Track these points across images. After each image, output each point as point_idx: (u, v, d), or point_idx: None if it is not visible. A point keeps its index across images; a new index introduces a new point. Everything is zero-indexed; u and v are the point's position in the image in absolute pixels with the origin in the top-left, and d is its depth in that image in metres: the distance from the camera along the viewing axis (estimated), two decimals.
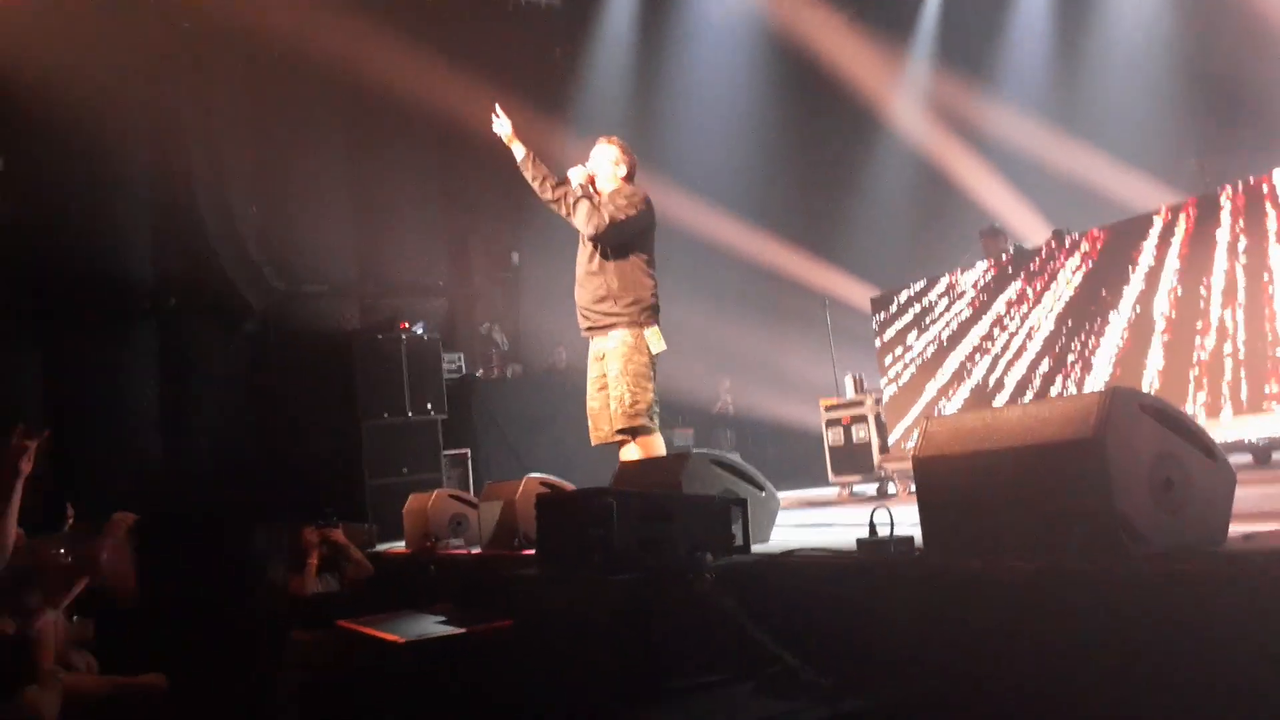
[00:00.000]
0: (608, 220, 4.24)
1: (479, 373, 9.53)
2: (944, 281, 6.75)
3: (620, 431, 4.26)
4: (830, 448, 7.37)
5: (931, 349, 6.72)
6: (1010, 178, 9.24)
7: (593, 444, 4.49)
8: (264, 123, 8.78)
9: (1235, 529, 2.16)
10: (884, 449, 7.00)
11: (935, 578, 2.20)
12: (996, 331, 6.23)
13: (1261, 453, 5.04)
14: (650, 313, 4.34)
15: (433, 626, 3.75)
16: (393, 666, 3.57)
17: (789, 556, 2.60)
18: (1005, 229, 7.56)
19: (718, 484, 3.11)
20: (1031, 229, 8.59)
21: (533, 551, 3.73)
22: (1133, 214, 5.70)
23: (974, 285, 6.52)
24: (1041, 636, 1.94)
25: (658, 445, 4.29)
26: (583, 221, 4.31)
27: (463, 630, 3.58)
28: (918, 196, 10.11)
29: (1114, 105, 8.40)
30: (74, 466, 6.61)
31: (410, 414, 7.90)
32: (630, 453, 4.34)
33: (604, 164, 4.50)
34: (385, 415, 7.78)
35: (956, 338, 6.54)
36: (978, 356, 6.35)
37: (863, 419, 7.19)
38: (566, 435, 8.87)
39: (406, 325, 8.49)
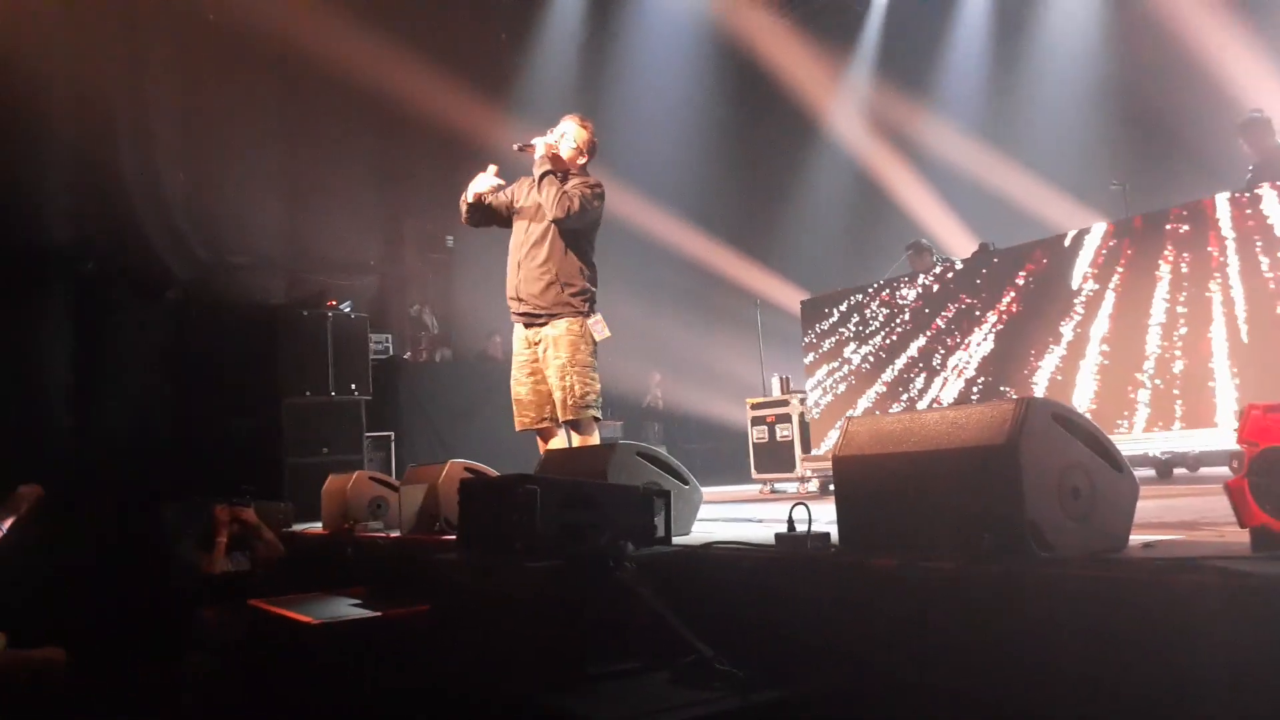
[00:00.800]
0: (578, 205, 4.11)
1: (407, 355, 9.41)
2: (876, 289, 6.88)
3: (566, 423, 4.21)
4: (755, 445, 7.48)
5: (860, 355, 6.84)
6: (941, 190, 9.48)
7: (517, 429, 4.41)
8: (197, 90, 8.52)
9: (1136, 538, 2.26)
10: (806, 449, 7.12)
11: (850, 574, 2.25)
12: (930, 344, 6.35)
13: (1163, 467, 5.26)
14: (593, 301, 4.29)
15: (347, 609, 3.70)
16: (305, 648, 3.51)
17: (709, 549, 2.63)
18: (931, 245, 7.77)
19: (642, 475, 3.12)
20: (959, 242, 8.83)
21: (454, 536, 3.72)
22: (1054, 232, 5.89)
23: (910, 296, 6.66)
24: (950, 634, 2.01)
25: (595, 438, 4.25)
26: (550, 202, 4.15)
27: (378, 614, 3.54)
28: (851, 204, 10.31)
29: (1043, 126, 8.68)
30: None
31: (333, 393, 7.75)
32: (559, 442, 4.30)
33: (570, 144, 4.36)
34: (307, 393, 7.61)
35: (887, 345, 6.67)
36: (910, 366, 6.49)
37: (787, 419, 7.31)
38: (494, 423, 8.82)
39: (334, 303, 8.32)
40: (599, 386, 4.24)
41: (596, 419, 4.23)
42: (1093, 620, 1.82)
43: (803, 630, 2.26)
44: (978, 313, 5.98)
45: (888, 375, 6.58)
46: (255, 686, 4.06)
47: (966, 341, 6.03)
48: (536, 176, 4.29)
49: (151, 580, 5.45)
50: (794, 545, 2.41)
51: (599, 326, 4.24)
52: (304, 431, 7.47)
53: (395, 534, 4.51)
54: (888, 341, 6.62)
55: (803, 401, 7.26)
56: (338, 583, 4.31)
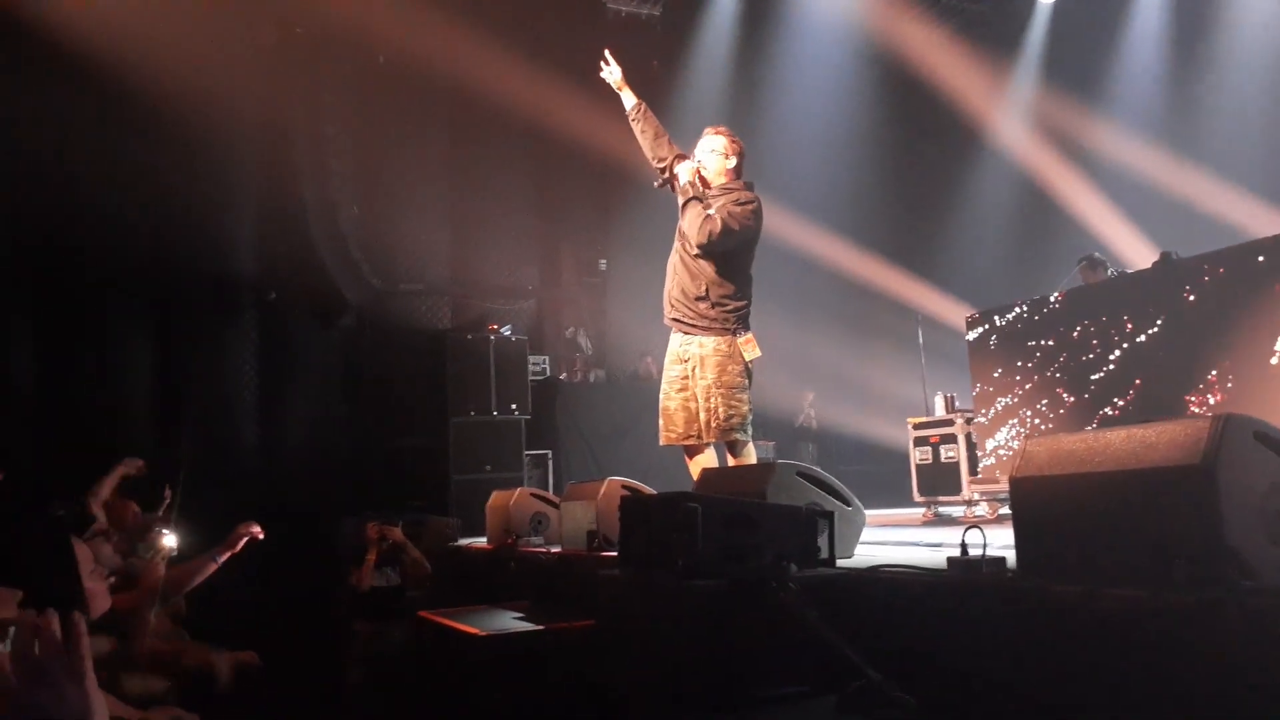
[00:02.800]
0: (720, 228, 4.03)
1: (563, 375, 9.64)
2: (1047, 303, 6.55)
3: (712, 443, 4.16)
4: (917, 466, 7.23)
5: (1030, 372, 6.53)
6: (1116, 199, 8.96)
7: (661, 443, 4.37)
8: (367, 125, 9.05)
9: None
10: (973, 471, 6.83)
11: (1028, 601, 2.14)
12: (1101, 357, 5.99)
13: None
14: (745, 320, 4.22)
15: (511, 622, 3.80)
16: (472, 659, 3.62)
17: (876, 572, 2.56)
18: (1104, 259, 7.33)
19: (803, 496, 3.08)
20: (1137, 252, 8.31)
21: (613, 553, 3.76)
22: (1243, 238, 5.45)
23: (1078, 311, 6.30)
24: (1140, 670, 1.88)
25: (749, 458, 4.18)
26: (693, 227, 4.11)
27: (541, 627, 3.61)
28: (1018, 216, 9.88)
29: (1227, 126, 8.07)
30: (176, 452, 6.89)
31: (496, 413, 8.04)
32: (707, 460, 4.25)
33: (711, 155, 4.29)
34: (472, 413, 7.93)
35: (1057, 362, 6.34)
36: (1080, 382, 6.14)
37: (952, 439, 7.03)
38: (647, 441, 8.91)
39: (495, 326, 8.65)
40: (747, 409, 4.16)
41: (744, 441, 4.15)
42: None
43: (975, 660, 2.17)
44: (1154, 326, 5.58)
45: (1067, 393, 6.24)
46: (417, 697, 4.22)
47: (1144, 356, 5.64)
48: (680, 204, 4.28)
49: (317, 594, 5.75)
50: (968, 569, 2.32)
51: (749, 346, 4.15)
52: (468, 450, 7.78)
53: (556, 549, 4.61)
54: (1064, 358, 6.28)
55: (968, 421, 6.98)
56: (501, 596, 4.43)
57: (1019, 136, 9.93)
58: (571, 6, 9.79)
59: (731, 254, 4.20)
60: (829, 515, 2.64)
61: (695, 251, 4.20)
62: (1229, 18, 8.51)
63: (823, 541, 2.58)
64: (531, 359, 8.82)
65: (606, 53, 4.57)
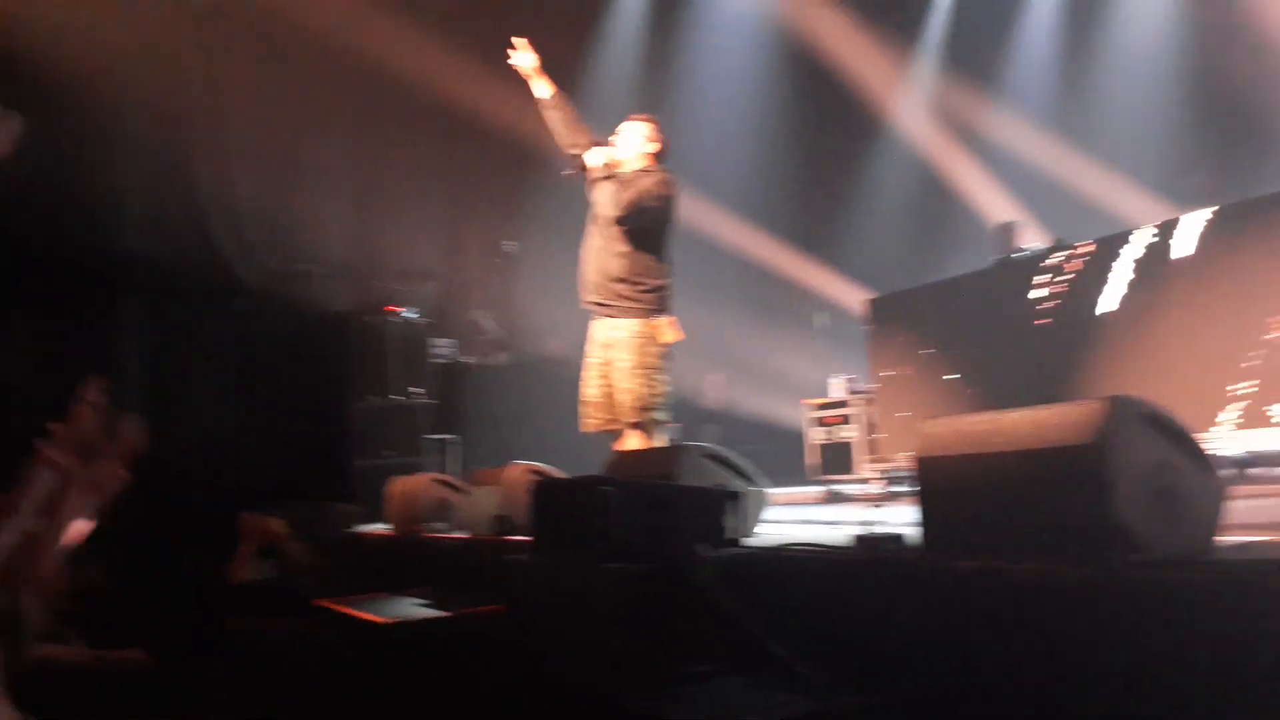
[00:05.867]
0: (638, 197, 4.08)
1: (468, 359, 9.50)
2: (943, 287, 6.76)
3: (630, 425, 4.16)
4: (814, 446, 7.40)
5: (926, 355, 6.72)
6: (1011, 185, 9.28)
7: (581, 430, 4.38)
8: (266, 99, 8.71)
9: (1226, 539, 2.18)
10: (868, 450, 7.03)
11: (932, 576, 2.21)
12: (996, 340, 6.18)
13: (1241, 467, 5.07)
14: (665, 301, 4.22)
15: (417, 609, 3.74)
16: (378, 648, 3.55)
17: (785, 551, 2.61)
18: (1019, 225, 7.52)
19: (712, 477, 3.11)
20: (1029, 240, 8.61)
21: (522, 538, 3.73)
22: (1129, 226, 5.70)
23: (973, 295, 6.51)
24: (1036, 639, 1.96)
25: (664, 440, 4.19)
26: (613, 200, 4.14)
27: (449, 614, 3.57)
28: (918, 202, 10.15)
29: (1120, 117, 8.44)
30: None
31: (397, 397, 7.88)
32: (634, 444, 4.24)
33: (633, 141, 4.32)
34: (372, 398, 7.75)
35: (952, 345, 6.53)
36: (976, 364, 6.34)
37: (848, 419, 7.22)
38: (555, 425, 8.86)
39: (397, 308, 8.45)
40: (665, 390, 4.18)
41: (662, 422, 4.17)
42: (1186, 624, 1.77)
43: (882, 634, 2.23)
44: (1067, 309, 5.76)
45: (962, 376, 6.43)
46: (326, 687, 4.11)
47: (1049, 337, 5.82)
48: (591, 188, 4.31)
49: (202, 591, 5.53)
50: (874, 547, 2.38)
51: (669, 328, 4.17)
52: (369, 435, 7.60)
53: (462, 535, 4.56)
54: (959, 341, 6.48)
55: (867, 402, 7.17)
56: (403, 584, 4.35)
57: (919, 123, 10.19)
58: None
59: (647, 233, 4.21)
60: (737, 496, 2.67)
61: (612, 232, 4.20)
62: (1120, 9, 8.89)
63: (731, 521, 2.61)
64: (435, 341, 8.65)
65: (514, 39, 4.50)
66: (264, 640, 4.21)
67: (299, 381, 7.71)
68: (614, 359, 4.21)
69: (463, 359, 9.36)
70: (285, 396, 7.63)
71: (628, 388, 4.14)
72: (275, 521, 5.12)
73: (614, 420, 4.25)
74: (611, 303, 4.22)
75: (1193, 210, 5.23)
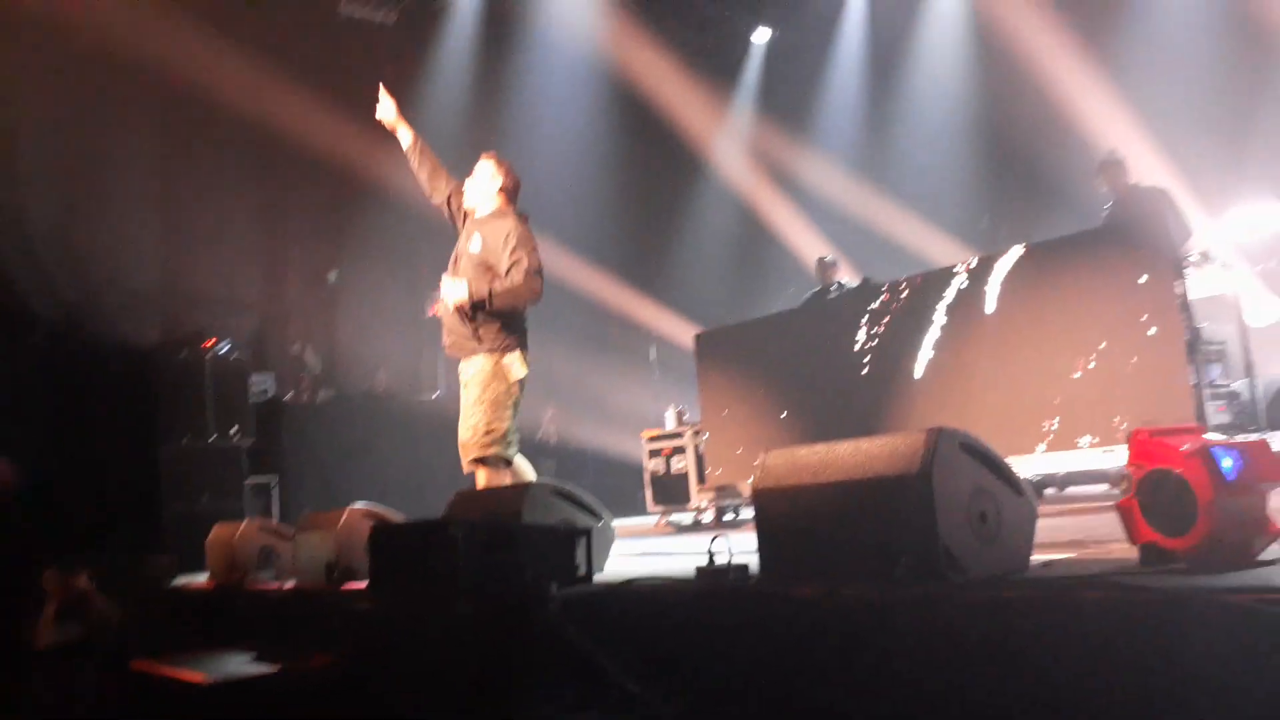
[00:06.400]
0: (537, 279, 4.15)
1: (289, 396, 9.09)
2: (766, 322, 7.03)
3: (474, 460, 4.10)
4: (651, 477, 7.52)
5: (752, 386, 6.96)
6: (822, 225, 9.83)
7: (465, 472, 4.29)
8: (67, 118, 8.10)
9: (1035, 558, 2.39)
10: (701, 480, 7.20)
11: (771, 604, 2.30)
12: (825, 371, 6.45)
13: (1035, 488, 5.53)
14: (515, 338, 4.21)
15: (241, 666, 3.53)
16: (195, 710, 3.33)
17: (630, 585, 2.64)
18: (839, 260, 7.99)
19: (558, 513, 3.11)
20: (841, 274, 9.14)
21: (358, 585, 3.59)
22: (931, 267, 6.14)
23: (792, 330, 6.80)
24: (873, 660, 2.07)
25: (509, 477, 4.13)
26: (464, 244, 4.26)
27: (276, 669, 3.39)
28: (739, 240, 10.58)
29: (918, 164, 9.12)
30: None
31: (213, 438, 7.42)
32: (479, 482, 4.19)
33: (485, 183, 4.34)
34: (185, 439, 7.27)
35: (776, 377, 6.78)
36: (797, 395, 6.60)
37: (682, 450, 7.38)
38: (382, 464, 8.59)
39: (212, 342, 7.99)
40: (508, 424, 4.13)
41: (506, 460, 4.12)
42: (1006, 637, 1.91)
43: (728, 663, 2.29)
44: (877, 342, 6.09)
45: (785, 406, 6.69)
46: None
47: (868, 369, 6.12)
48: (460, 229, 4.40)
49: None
50: (715, 578, 2.44)
51: (516, 363, 4.17)
52: (182, 480, 7.12)
53: (290, 584, 4.34)
54: (782, 373, 6.73)
55: (697, 434, 7.35)
56: (225, 639, 4.11)
57: (737, 165, 10.66)
58: (302, 7, 9.32)
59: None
60: (586, 532, 2.68)
61: (459, 267, 4.24)
62: (921, 64, 9.63)
63: (580, 558, 2.62)
64: (253, 378, 8.22)
65: (381, 87, 4.56)
66: (72, 709, 3.87)
67: (104, 422, 7.12)
68: (465, 396, 4.21)
69: (284, 396, 8.96)
70: (90, 439, 7.03)
71: (470, 424, 4.10)
72: (80, 577, 4.71)
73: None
74: (465, 341, 4.20)
75: (987, 251, 5.69)
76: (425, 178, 4.53)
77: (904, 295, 5.87)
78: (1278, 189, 6.75)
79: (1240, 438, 2.75)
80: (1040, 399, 5.09)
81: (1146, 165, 7.01)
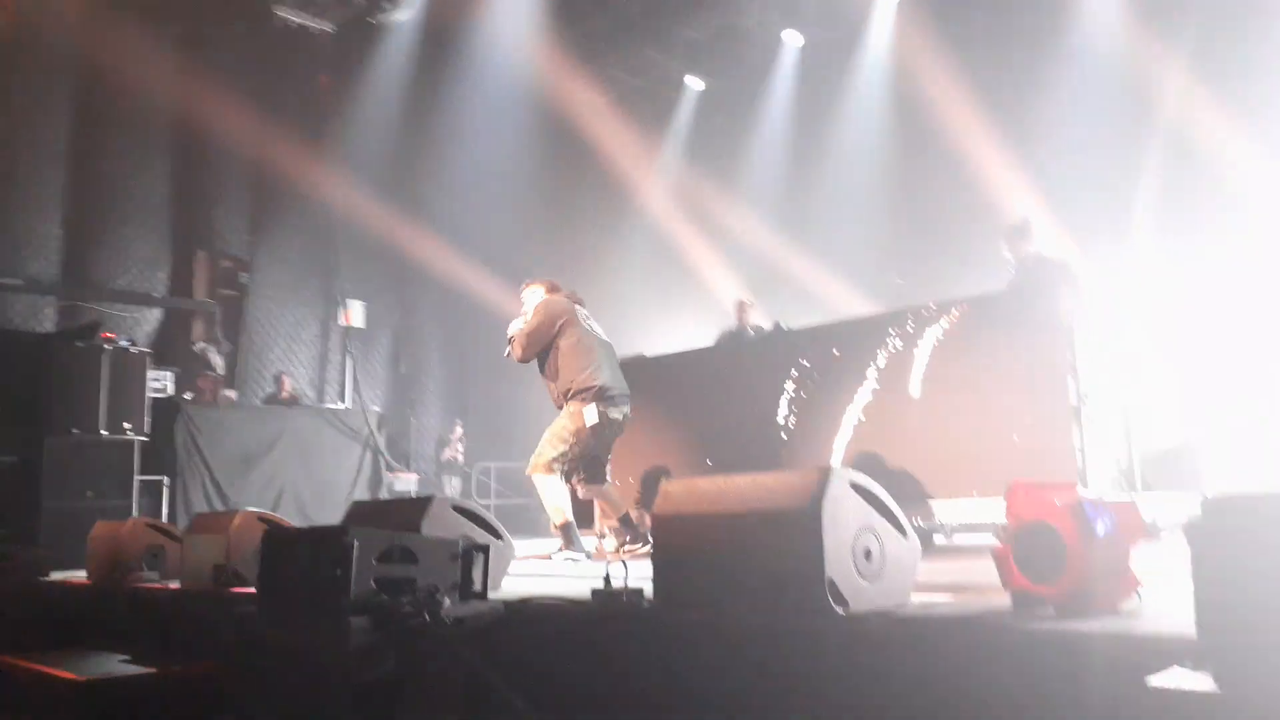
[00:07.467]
0: (517, 346, 5.28)
1: (188, 395, 8.82)
2: (681, 358, 7.12)
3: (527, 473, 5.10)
4: None
5: (662, 419, 7.03)
6: (739, 269, 10.07)
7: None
8: None
9: (916, 597, 2.49)
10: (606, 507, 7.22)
11: (664, 628, 2.35)
12: (721, 408, 6.57)
13: (923, 535, 5.70)
14: (584, 393, 5.05)
15: (116, 665, 3.42)
16: (65, 709, 3.20)
17: (526, 604, 2.66)
18: (754, 304, 8.17)
19: (457, 529, 3.11)
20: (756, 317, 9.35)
21: (245, 589, 3.52)
22: (841, 317, 6.32)
23: (703, 368, 6.91)
24: (759, 684, 2.13)
25: (542, 488, 5.05)
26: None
27: (153, 671, 3.30)
28: (661, 276, 10.75)
29: (834, 220, 9.44)
30: None
31: (104, 432, 7.15)
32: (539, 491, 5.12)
33: (529, 305, 5.41)
34: (74, 431, 7.00)
35: (685, 411, 6.88)
36: (705, 430, 6.70)
37: None
38: (278, 471, 8.38)
39: (112, 335, 7.72)
40: (557, 453, 5.01)
41: (543, 475, 5.04)
42: (886, 671, 2.00)
43: (620, 684, 2.33)
44: (783, 385, 6.20)
45: (693, 440, 6.77)
46: None
47: (777, 413, 6.23)
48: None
49: None
50: (610, 601, 2.48)
51: (588, 413, 5.04)
52: (66, 472, 6.84)
53: (174, 585, 4.22)
54: (691, 407, 6.83)
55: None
56: (102, 638, 3.97)
57: (664, 205, 10.87)
58: (238, 9, 9.16)
59: (549, 349, 5.23)
60: (484, 549, 2.69)
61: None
62: (841, 123, 9.99)
63: (477, 574, 2.63)
64: (152, 374, 7.96)
65: None
66: None
67: None
68: None
69: (183, 394, 8.69)
70: None
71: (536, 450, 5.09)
72: None
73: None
74: (557, 400, 5.27)
75: (899, 306, 5.88)
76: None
77: (812, 345, 6.00)
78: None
79: (1112, 498, 2.92)
80: (939, 449, 5.27)
81: (1046, 229, 7.39)
